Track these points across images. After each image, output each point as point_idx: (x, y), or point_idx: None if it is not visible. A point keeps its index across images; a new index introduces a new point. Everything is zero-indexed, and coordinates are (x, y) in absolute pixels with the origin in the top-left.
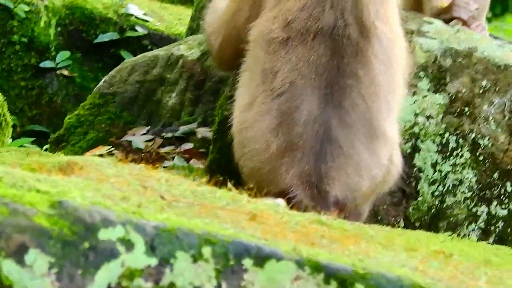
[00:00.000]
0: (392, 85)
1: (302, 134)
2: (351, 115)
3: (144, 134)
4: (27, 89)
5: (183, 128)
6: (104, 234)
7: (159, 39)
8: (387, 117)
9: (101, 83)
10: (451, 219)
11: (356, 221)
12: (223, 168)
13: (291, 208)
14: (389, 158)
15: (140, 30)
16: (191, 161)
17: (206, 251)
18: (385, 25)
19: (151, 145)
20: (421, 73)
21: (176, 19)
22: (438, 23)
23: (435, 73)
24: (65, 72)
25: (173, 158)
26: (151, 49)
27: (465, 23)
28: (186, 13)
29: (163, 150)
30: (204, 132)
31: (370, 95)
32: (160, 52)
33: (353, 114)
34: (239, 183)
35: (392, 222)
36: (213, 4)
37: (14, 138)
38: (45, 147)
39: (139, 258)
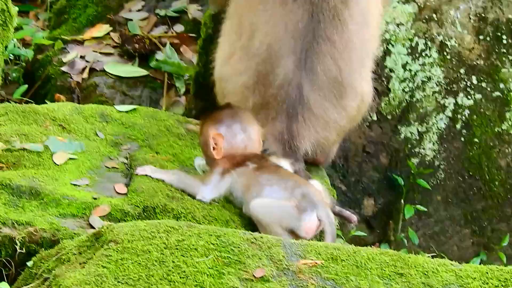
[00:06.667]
0: (367, 44)
1: (277, 96)
2: (322, 79)
3: (139, 10)
4: None
5: (175, 4)
6: None
7: None
8: (359, 76)
9: None
10: (421, 110)
11: (325, 160)
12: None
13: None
14: (359, 104)
15: None
16: (181, 48)
17: None
18: None
19: (146, 25)
20: None
21: None
22: None
23: None
24: None
25: (165, 45)
26: None
27: None
28: None
29: (156, 33)
30: (194, 12)
31: (343, 59)
32: None
33: (325, 78)
34: None
35: (366, 117)
36: None
37: None
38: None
39: None
